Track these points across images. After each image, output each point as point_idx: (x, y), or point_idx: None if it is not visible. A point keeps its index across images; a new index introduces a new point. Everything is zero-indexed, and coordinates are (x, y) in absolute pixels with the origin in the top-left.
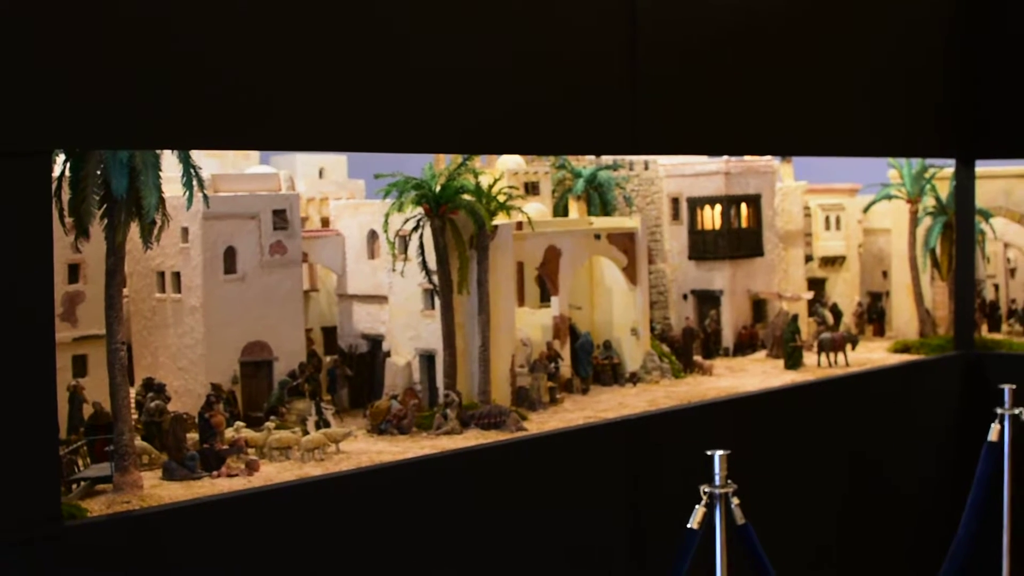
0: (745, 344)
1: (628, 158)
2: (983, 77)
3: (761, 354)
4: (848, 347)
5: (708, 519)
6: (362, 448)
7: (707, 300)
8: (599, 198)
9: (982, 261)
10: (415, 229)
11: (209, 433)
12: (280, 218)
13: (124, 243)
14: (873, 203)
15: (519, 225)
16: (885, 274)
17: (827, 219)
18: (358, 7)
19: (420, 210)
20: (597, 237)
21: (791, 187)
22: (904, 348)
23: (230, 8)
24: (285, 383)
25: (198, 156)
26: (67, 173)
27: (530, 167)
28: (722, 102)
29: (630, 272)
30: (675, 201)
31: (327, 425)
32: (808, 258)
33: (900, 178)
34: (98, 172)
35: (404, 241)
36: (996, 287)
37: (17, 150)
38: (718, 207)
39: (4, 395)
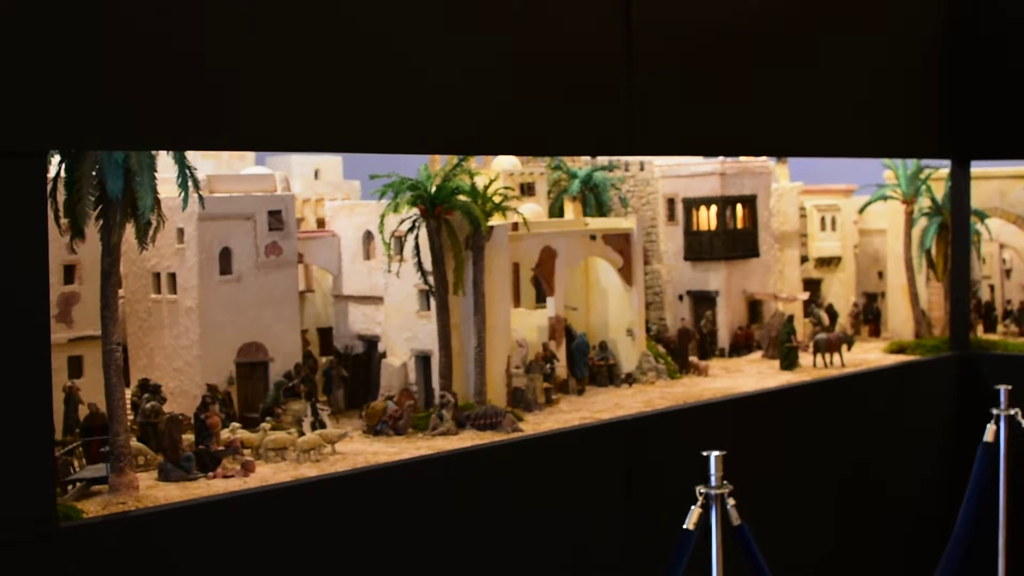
0: (741, 345)
1: (624, 159)
2: (978, 78)
3: (757, 355)
4: (844, 348)
5: (704, 520)
6: (358, 449)
7: (703, 301)
8: (595, 199)
9: (978, 262)
10: (411, 230)
11: (205, 434)
12: (276, 219)
13: (120, 244)
14: (869, 204)
15: (515, 226)
16: (881, 275)
17: (823, 220)
18: (355, 7)
19: (416, 211)
20: (593, 238)
21: (787, 188)
22: (900, 349)
23: (226, 9)
24: (281, 384)
25: (193, 157)
26: (62, 174)
27: (526, 168)
28: (718, 103)
29: (626, 273)
30: (671, 202)
31: (323, 426)
32: (804, 259)
33: (896, 179)
34: (93, 173)
35: (400, 242)
36: (992, 288)
37: (12, 151)
38: (714, 208)
39: (0, 396)
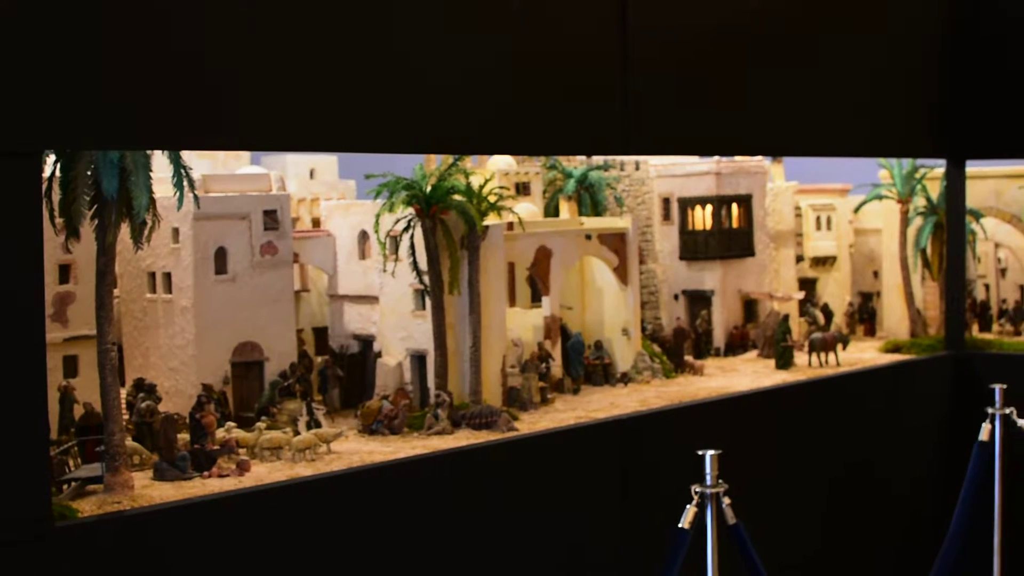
0: (736, 344)
1: (619, 158)
2: (974, 78)
3: (752, 354)
4: (839, 347)
5: (699, 519)
6: (353, 448)
7: (698, 300)
8: (590, 198)
9: (973, 261)
10: (406, 229)
11: (200, 433)
12: (271, 218)
13: (115, 244)
14: (864, 203)
15: (510, 225)
16: (876, 274)
17: (818, 219)
18: (350, 7)
19: (411, 210)
20: (588, 237)
21: (782, 187)
22: (895, 348)
23: (222, 9)
24: (276, 383)
25: (189, 156)
26: (57, 174)
27: (521, 167)
28: (713, 103)
29: (621, 272)
30: (666, 201)
31: (318, 425)
32: (799, 258)
33: (891, 178)
34: (88, 173)
35: (395, 241)
36: (987, 287)
37: (8, 150)
38: (709, 207)
39: None
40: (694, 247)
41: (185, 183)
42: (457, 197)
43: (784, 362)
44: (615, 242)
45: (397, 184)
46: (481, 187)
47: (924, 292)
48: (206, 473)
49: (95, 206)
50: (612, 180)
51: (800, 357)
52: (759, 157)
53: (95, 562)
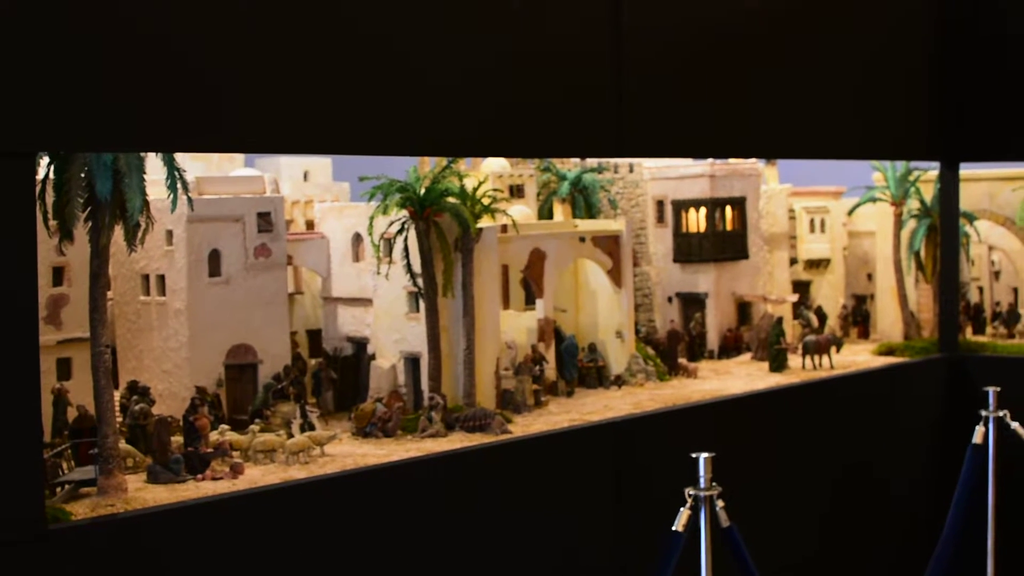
0: (730, 347)
1: (613, 161)
2: (967, 80)
3: (746, 357)
4: (833, 349)
5: (693, 522)
6: (347, 451)
7: (692, 303)
8: (584, 201)
9: (966, 264)
10: (400, 232)
11: (194, 436)
12: (265, 221)
13: (108, 246)
14: (858, 206)
15: (504, 228)
16: (870, 277)
17: (812, 222)
18: (344, 9)
19: (405, 213)
20: (582, 240)
21: (776, 190)
22: (889, 351)
23: (216, 11)
24: (270, 386)
25: (182, 159)
26: (51, 176)
27: (515, 170)
28: (707, 105)
29: (615, 275)
30: (660, 204)
31: (312, 428)
32: (793, 261)
33: (884, 181)
34: (82, 175)
35: (389, 244)
36: (980, 289)
37: (1, 151)
38: (703, 210)
39: None
40: (688, 249)
41: (179, 185)
42: (451, 199)
43: (778, 365)
44: (609, 244)
45: (391, 186)
46: (475, 189)
47: (918, 295)
48: (200, 476)
49: (89, 208)
50: (606, 182)
51: (794, 360)
52: (753, 160)
53: (88, 565)
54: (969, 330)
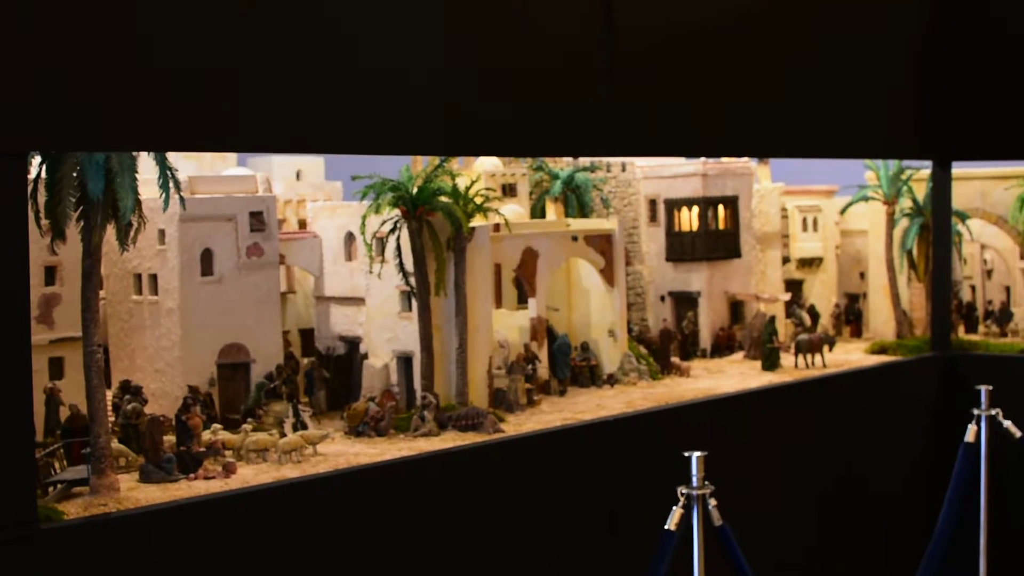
0: (722, 345)
1: (605, 160)
2: (959, 79)
3: (738, 355)
4: (825, 348)
5: (685, 520)
6: (339, 450)
7: (684, 302)
8: (576, 200)
9: (959, 262)
10: (392, 231)
11: (186, 435)
12: (257, 220)
13: (100, 245)
14: (850, 205)
15: (496, 227)
16: (862, 275)
17: (804, 221)
18: (337, 9)
19: (397, 212)
20: (574, 239)
21: (768, 189)
22: (881, 349)
23: (207, 11)
24: (262, 385)
25: (174, 158)
26: (43, 175)
27: (507, 169)
28: (699, 104)
29: (607, 274)
30: (652, 203)
31: (304, 427)
32: (785, 260)
33: (877, 180)
34: (74, 174)
35: (381, 243)
36: (973, 288)
37: None
38: (695, 209)
39: None
40: (680, 248)
41: (171, 184)
42: (443, 199)
43: (770, 363)
44: (601, 243)
45: (383, 186)
46: (467, 189)
47: (910, 293)
48: (192, 475)
49: (81, 208)
50: (598, 181)
51: (786, 358)
52: (745, 159)
53: (80, 565)
54: (961, 329)
